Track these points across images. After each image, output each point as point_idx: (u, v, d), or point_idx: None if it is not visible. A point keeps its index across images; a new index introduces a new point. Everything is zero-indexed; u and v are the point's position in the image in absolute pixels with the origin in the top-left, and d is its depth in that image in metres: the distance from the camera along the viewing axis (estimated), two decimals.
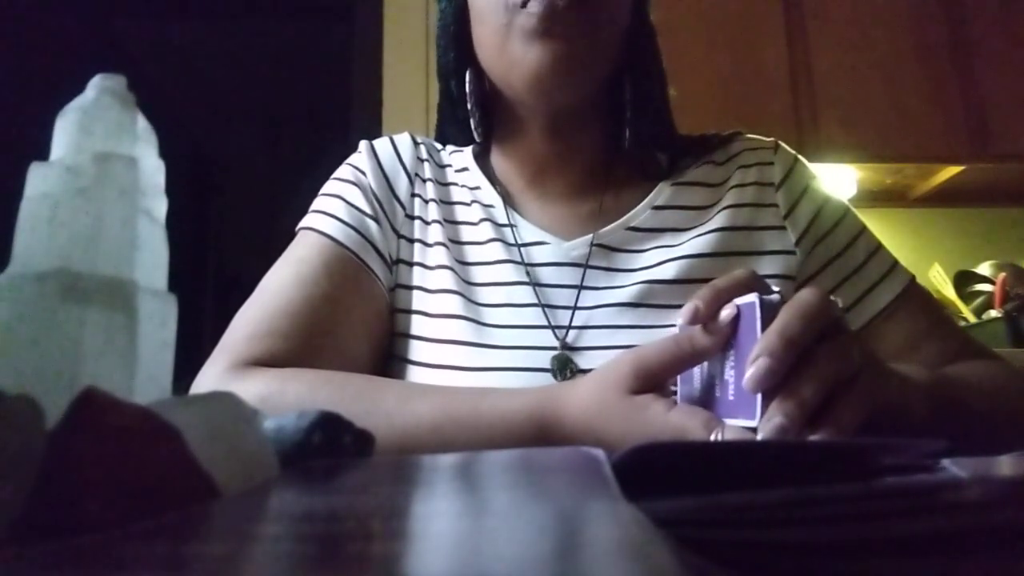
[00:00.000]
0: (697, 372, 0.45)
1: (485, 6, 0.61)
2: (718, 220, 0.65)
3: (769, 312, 0.40)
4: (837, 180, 2.11)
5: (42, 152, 0.25)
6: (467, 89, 0.66)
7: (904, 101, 2.05)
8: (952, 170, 2.14)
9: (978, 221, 2.35)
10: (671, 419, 0.41)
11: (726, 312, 0.41)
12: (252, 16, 3.17)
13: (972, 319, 1.96)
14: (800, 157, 0.71)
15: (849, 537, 0.17)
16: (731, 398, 0.41)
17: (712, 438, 0.40)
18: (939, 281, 2.04)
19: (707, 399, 0.43)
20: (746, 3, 2.09)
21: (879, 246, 0.68)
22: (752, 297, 0.41)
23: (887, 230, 2.10)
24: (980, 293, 2.03)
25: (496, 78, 0.64)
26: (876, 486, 0.22)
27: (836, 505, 0.18)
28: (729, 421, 0.40)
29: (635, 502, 0.15)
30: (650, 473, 0.20)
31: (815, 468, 0.24)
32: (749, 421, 0.39)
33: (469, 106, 0.66)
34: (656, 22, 0.69)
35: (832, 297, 0.41)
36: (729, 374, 0.42)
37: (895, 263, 0.66)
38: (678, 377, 0.45)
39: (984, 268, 2.07)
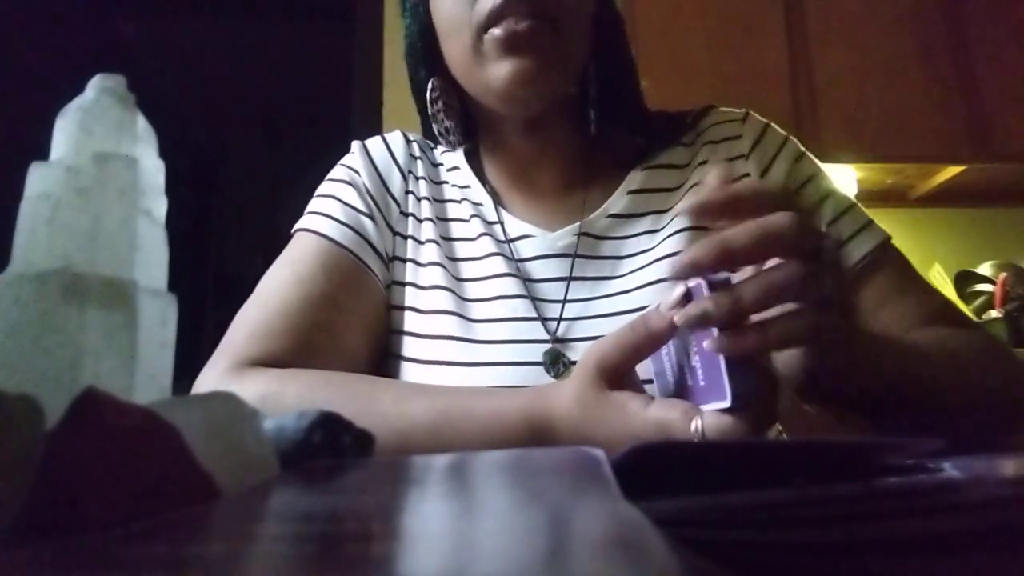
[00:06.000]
0: (668, 365, 0.45)
1: (451, 27, 0.62)
2: (689, 198, 0.65)
3: (718, 290, 0.39)
4: (837, 180, 2.11)
5: (42, 152, 0.25)
6: (435, 108, 0.66)
7: (904, 101, 2.05)
8: (952, 170, 2.14)
9: (978, 221, 2.35)
10: (650, 415, 0.41)
11: (675, 292, 0.41)
12: (252, 16, 3.17)
13: (972, 319, 1.96)
14: (772, 124, 0.71)
15: (849, 537, 0.17)
16: (701, 383, 0.41)
17: (692, 427, 0.39)
18: (939, 281, 2.04)
19: (681, 390, 0.43)
20: (747, 3, 2.09)
21: (853, 204, 0.67)
22: (698, 279, 0.40)
23: (887, 230, 2.09)
24: (980, 293, 2.03)
25: (470, 92, 0.64)
26: (876, 486, 0.22)
27: (836, 505, 0.18)
28: (704, 407, 0.40)
29: (635, 502, 0.15)
30: (650, 473, 0.20)
31: (815, 468, 0.24)
32: (721, 403, 0.38)
33: (441, 126, 0.67)
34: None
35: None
36: (695, 360, 0.41)
37: (870, 221, 0.65)
38: (653, 373, 0.45)
39: (984, 268, 2.07)
